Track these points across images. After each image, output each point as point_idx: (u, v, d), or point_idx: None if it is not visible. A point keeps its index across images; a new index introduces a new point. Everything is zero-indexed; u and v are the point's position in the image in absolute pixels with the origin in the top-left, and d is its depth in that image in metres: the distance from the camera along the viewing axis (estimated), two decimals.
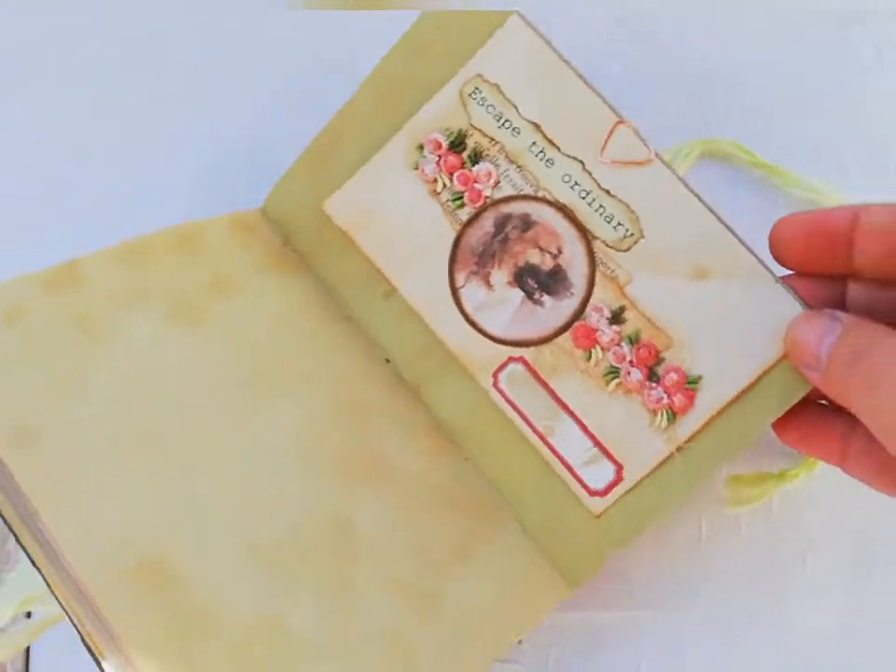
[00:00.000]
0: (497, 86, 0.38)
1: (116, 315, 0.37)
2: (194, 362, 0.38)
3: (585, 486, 0.37)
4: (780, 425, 0.36)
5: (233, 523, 0.35)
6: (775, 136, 0.45)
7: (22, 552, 0.32)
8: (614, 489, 0.37)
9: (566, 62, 0.37)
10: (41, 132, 0.46)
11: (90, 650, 0.31)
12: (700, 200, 0.36)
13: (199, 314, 0.38)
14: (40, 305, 0.36)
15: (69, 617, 0.31)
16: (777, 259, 0.36)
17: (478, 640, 0.36)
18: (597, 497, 0.37)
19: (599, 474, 0.37)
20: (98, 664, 0.31)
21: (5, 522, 0.32)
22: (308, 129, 0.41)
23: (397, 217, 0.40)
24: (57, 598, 0.31)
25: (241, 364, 0.38)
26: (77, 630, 0.31)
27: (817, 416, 0.37)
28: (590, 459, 0.37)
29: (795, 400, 0.35)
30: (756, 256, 0.35)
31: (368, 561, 0.36)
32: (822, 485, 0.41)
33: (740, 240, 0.36)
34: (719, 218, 0.36)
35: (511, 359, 0.38)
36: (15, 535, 0.32)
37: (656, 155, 0.36)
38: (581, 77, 0.37)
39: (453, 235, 0.39)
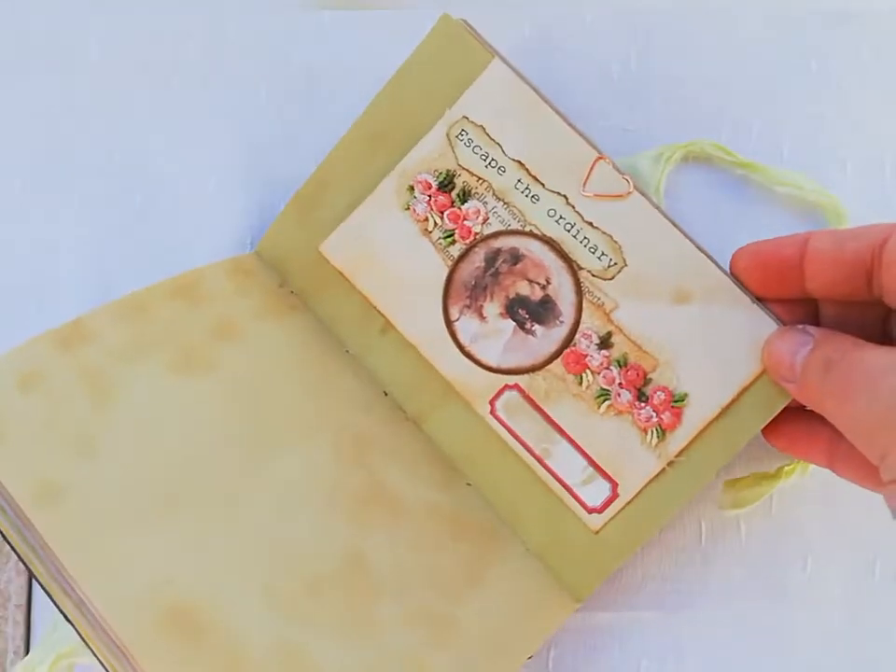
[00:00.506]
0: (482, 127, 0.40)
1: (121, 371, 0.38)
2: (200, 413, 0.39)
3: (583, 504, 0.39)
4: (769, 431, 0.38)
5: (251, 569, 0.36)
6: (768, 137, 0.46)
7: (56, 609, 0.33)
8: (611, 505, 0.39)
9: (546, 101, 0.39)
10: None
11: None
12: (678, 228, 0.38)
13: (202, 362, 0.40)
14: (55, 365, 0.37)
15: (105, 668, 0.32)
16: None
17: (492, 660, 0.37)
18: (595, 514, 0.39)
19: (596, 492, 0.39)
20: None
21: (37, 580, 0.33)
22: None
23: (391, 255, 0.41)
24: (93, 651, 0.32)
25: (246, 412, 0.39)
26: None
27: (803, 422, 0.39)
28: (587, 478, 0.39)
29: (776, 411, 0.37)
30: (732, 278, 0.38)
31: (384, 593, 0.37)
32: (821, 485, 0.43)
33: (717, 264, 0.38)
34: (696, 245, 0.38)
35: (506, 387, 0.40)
36: (47, 592, 0.33)
37: (635, 187, 0.39)
38: (561, 115, 0.39)
39: (446, 271, 0.41)
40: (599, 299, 0.39)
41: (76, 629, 0.33)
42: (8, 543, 0.34)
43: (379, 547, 0.38)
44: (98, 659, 0.32)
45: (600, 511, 0.39)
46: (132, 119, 0.47)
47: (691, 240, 0.38)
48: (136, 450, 0.37)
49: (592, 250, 0.39)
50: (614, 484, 0.39)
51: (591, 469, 0.39)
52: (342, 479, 0.39)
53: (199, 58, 0.48)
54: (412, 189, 0.41)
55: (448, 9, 0.41)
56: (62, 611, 0.33)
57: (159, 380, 0.39)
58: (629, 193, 0.39)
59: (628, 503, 0.39)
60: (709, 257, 0.38)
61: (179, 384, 0.39)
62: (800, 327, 0.36)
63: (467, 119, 0.40)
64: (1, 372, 0.36)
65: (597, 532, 0.39)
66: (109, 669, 0.32)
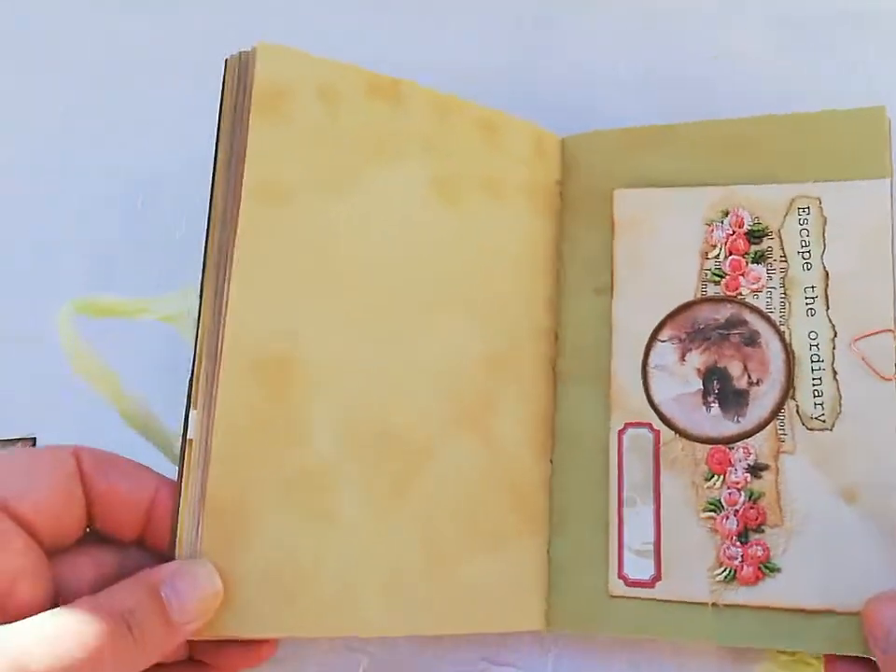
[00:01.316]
0: (825, 219, 0.38)
1: (395, 154, 0.38)
2: (433, 237, 0.39)
3: (621, 565, 0.39)
4: (831, 663, 0.37)
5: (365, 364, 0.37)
6: None
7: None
8: (639, 589, 0.38)
9: (892, 245, 0.38)
10: None
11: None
12: None
13: (460, 197, 0.40)
14: (357, 100, 0.38)
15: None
16: None
17: (458, 614, 0.38)
18: (622, 582, 0.39)
19: (638, 567, 0.39)
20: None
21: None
22: None
23: (659, 244, 0.40)
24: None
25: (466, 268, 0.40)
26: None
27: None
28: (641, 550, 0.39)
29: (841, 653, 0.36)
30: None
31: (423, 492, 0.37)
32: None
33: None
34: None
35: (649, 424, 0.39)
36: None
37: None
38: (892, 266, 0.37)
39: (690, 296, 0.39)
40: (785, 434, 0.38)
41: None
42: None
43: (449, 450, 0.38)
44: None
45: (628, 584, 0.39)
46: (132, 119, 0.47)
47: None
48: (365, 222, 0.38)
49: (816, 394, 0.38)
50: (657, 577, 0.38)
51: (651, 546, 0.39)
52: (469, 375, 0.39)
53: (199, 58, 0.47)
54: (726, 213, 0.40)
55: None
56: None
57: (415, 188, 0.39)
58: (889, 379, 0.37)
59: (653, 599, 0.38)
60: None
61: (429, 203, 0.39)
62: None
63: (819, 201, 0.39)
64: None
65: (611, 597, 0.39)
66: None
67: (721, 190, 0.40)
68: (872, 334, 0.37)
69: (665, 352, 0.40)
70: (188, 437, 0.34)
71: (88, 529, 0.34)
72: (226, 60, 0.37)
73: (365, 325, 0.37)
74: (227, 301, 0.34)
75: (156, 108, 0.47)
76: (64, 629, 0.28)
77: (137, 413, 0.41)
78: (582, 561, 0.39)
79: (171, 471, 0.35)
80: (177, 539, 0.33)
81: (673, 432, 0.39)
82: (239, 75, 0.36)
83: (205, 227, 0.35)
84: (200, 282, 0.35)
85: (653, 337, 0.40)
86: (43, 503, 0.32)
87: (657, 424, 0.39)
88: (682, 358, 0.39)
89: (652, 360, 0.40)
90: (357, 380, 0.37)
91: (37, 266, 0.45)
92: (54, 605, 0.30)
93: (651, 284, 0.40)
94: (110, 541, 0.34)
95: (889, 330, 0.37)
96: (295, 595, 0.34)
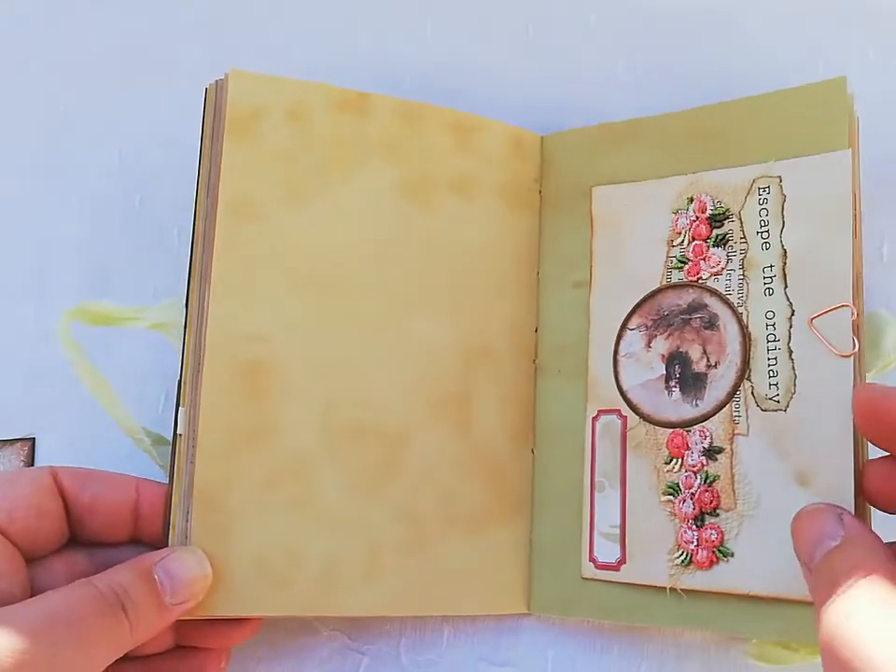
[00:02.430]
0: (785, 197, 0.37)
1: (365, 158, 0.41)
2: (403, 238, 0.42)
3: (591, 548, 0.40)
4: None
5: (336, 358, 0.40)
6: None
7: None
8: (606, 571, 0.39)
9: (853, 218, 0.36)
10: None
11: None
12: (854, 433, 0.35)
13: (429, 198, 0.42)
14: (326, 116, 0.41)
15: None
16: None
17: (439, 596, 0.40)
18: (592, 565, 0.40)
19: (607, 550, 0.40)
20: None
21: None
22: None
23: (633, 236, 0.41)
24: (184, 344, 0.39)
25: (439, 266, 0.42)
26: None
27: None
28: (608, 533, 0.39)
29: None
30: (855, 496, 0.34)
31: (402, 479, 0.40)
32: None
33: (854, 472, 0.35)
34: (854, 454, 0.35)
35: (618, 411, 0.40)
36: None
37: (855, 354, 0.35)
38: (853, 239, 0.36)
39: (656, 285, 0.40)
40: (739, 416, 0.37)
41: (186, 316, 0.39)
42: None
43: (426, 439, 0.41)
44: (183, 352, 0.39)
45: (597, 566, 0.40)
46: (132, 119, 0.48)
47: (854, 446, 0.35)
48: (334, 228, 0.41)
49: (771, 374, 0.37)
50: (622, 560, 0.39)
51: (618, 530, 0.39)
52: (446, 367, 0.42)
53: (199, 57, 0.48)
54: (691, 200, 0.40)
55: None
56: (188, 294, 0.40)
57: (383, 193, 0.42)
58: (846, 356, 0.35)
59: (618, 583, 0.39)
60: (855, 461, 0.35)
61: (398, 206, 0.42)
62: (838, 511, 0.33)
63: (780, 180, 0.38)
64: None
65: (583, 579, 0.40)
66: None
67: (687, 179, 0.40)
68: (830, 310, 0.36)
69: (634, 340, 0.40)
70: (177, 432, 0.38)
71: (72, 536, 0.37)
72: (206, 88, 0.41)
73: (338, 326, 0.40)
74: (207, 310, 0.39)
75: (156, 108, 0.48)
76: (59, 607, 0.32)
77: (129, 419, 0.44)
78: (560, 546, 0.41)
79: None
80: (170, 527, 0.37)
81: (638, 417, 0.40)
82: (216, 101, 0.40)
83: (190, 242, 0.39)
84: (185, 292, 0.39)
85: (623, 326, 0.41)
86: (18, 515, 0.35)
87: (625, 410, 0.40)
88: (648, 345, 0.40)
89: (622, 349, 0.41)
90: (332, 377, 0.40)
91: (37, 265, 0.46)
92: None
93: (624, 275, 0.41)
94: (90, 545, 0.38)
95: (847, 305, 0.36)
96: (280, 577, 0.38)
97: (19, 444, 0.44)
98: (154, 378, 0.44)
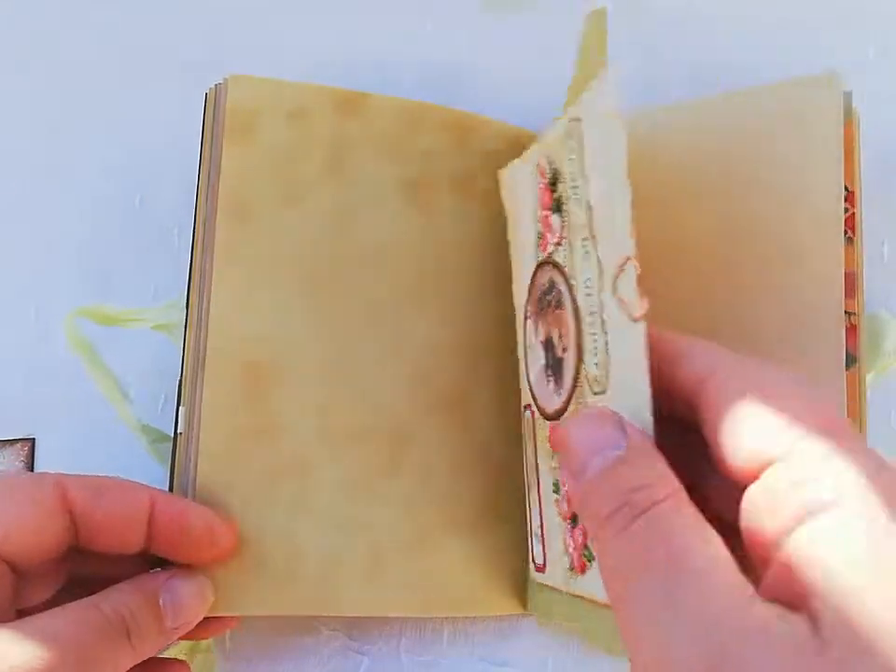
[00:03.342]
0: (583, 148, 0.32)
1: (365, 158, 0.42)
2: (402, 237, 0.42)
3: (532, 548, 0.38)
4: None
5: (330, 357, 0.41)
6: None
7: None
8: (538, 574, 0.37)
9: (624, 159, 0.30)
10: None
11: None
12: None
13: (428, 197, 0.42)
14: (326, 118, 0.42)
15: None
16: None
17: (438, 597, 0.40)
18: (532, 566, 0.38)
19: (537, 552, 0.37)
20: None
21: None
22: None
23: (518, 216, 0.39)
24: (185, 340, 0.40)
25: (439, 265, 0.42)
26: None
27: None
28: (537, 534, 0.37)
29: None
30: None
31: (401, 479, 0.40)
32: None
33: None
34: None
35: (529, 406, 0.37)
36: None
37: (643, 316, 0.29)
38: (627, 185, 0.29)
39: (532, 266, 0.36)
40: (581, 404, 0.33)
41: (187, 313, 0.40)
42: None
43: (429, 438, 0.41)
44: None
45: (536, 569, 0.37)
46: (132, 120, 0.47)
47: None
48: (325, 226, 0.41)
49: (595, 351, 0.31)
50: (544, 563, 0.36)
51: (540, 530, 0.37)
52: (442, 364, 0.41)
53: (201, 57, 0.47)
54: (538, 166, 0.35)
55: None
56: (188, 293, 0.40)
57: (382, 192, 0.42)
58: (637, 320, 0.29)
59: (545, 586, 0.37)
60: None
61: (398, 205, 0.42)
62: (616, 418, 0.28)
63: (579, 123, 0.32)
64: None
65: (531, 581, 0.38)
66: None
67: (536, 144, 0.36)
68: (622, 267, 0.30)
69: (530, 329, 0.37)
70: (178, 431, 0.39)
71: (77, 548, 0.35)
72: (206, 93, 0.41)
73: (338, 326, 0.41)
74: (208, 311, 0.39)
75: (156, 109, 0.48)
76: (61, 629, 0.31)
77: (132, 415, 0.44)
78: (524, 547, 0.39)
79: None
80: None
81: (538, 411, 0.36)
82: (215, 105, 0.41)
83: (190, 243, 0.40)
84: (186, 294, 0.39)
85: (525, 316, 0.37)
86: (13, 532, 0.33)
87: (533, 405, 0.37)
88: (536, 332, 0.36)
89: (527, 340, 0.37)
90: (333, 377, 0.40)
91: (37, 265, 0.46)
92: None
93: (521, 261, 0.38)
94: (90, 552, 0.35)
95: (629, 258, 0.29)
96: (281, 577, 0.38)
97: (19, 444, 0.44)
98: (154, 377, 0.44)
